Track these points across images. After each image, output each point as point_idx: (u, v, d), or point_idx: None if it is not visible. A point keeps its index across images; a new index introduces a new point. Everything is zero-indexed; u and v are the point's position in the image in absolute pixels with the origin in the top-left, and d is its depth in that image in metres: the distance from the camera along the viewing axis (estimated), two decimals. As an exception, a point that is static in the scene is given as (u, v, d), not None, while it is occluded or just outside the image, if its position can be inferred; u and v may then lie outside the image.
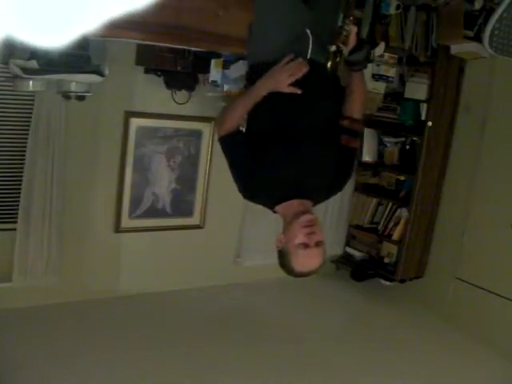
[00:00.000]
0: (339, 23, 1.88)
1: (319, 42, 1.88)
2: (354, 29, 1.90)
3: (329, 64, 1.88)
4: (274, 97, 1.82)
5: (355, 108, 2.03)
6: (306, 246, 1.74)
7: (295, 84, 1.82)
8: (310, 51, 1.86)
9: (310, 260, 1.78)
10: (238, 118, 1.84)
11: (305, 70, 1.80)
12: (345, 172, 2.02)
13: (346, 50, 1.88)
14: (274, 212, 1.89)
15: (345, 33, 1.86)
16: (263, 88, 1.81)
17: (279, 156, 1.79)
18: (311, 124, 1.85)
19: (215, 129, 1.92)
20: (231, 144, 1.84)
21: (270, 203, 1.88)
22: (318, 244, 1.76)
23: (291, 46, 1.85)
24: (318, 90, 1.90)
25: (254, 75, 1.93)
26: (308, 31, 1.86)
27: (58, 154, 3.52)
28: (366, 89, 2.15)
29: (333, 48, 1.86)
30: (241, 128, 1.89)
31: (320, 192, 1.96)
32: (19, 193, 3.49)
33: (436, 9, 3.92)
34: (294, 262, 1.77)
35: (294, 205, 1.82)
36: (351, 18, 1.90)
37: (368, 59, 2.05)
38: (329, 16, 1.93)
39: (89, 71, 3.16)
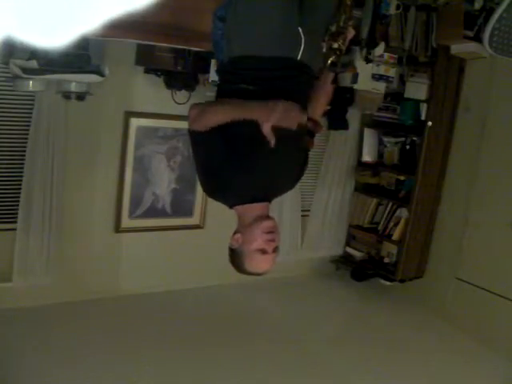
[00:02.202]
0: (341, 24, 1.88)
1: (310, 44, 1.81)
2: (352, 32, 1.90)
3: (329, 60, 1.86)
4: (255, 97, 1.74)
5: (319, 110, 2.01)
6: (264, 252, 1.74)
7: (283, 83, 1.78)
8: (301, 52, 1.80)
9: (265, 264, 1.79)
10: (218, 123, 1.71)
11: (294, 127, 1.68)
12: (302, 172, 1.97)
13: (344, 50, 1.88)
14: (231, 209, 1.84)
15: (346, 32, 1.87)
16: (253, 114, 1.67)
17: (256, 159, 1.72)
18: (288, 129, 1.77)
19: (190, 118, 1.76)
20: (207, 139, 1.74)
21: (233, 203, 1.82)
22: (275, 250, 1.77)
23: (282, 43, 1.79)
24: (302, 92, 1.86)
25: (236, 69, 1.83)
26: (300, 30, 1.79)
27: (58, 154, 3.52)
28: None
29: (335, 45, 1.85)
30: None
31: (279, 191, 1.94)
32: (19, 193, 3.49)
33: (436, 9, 3.92)
34: (247, 264, 1.78)
35: (256, 208, 1.79)
36: (351, 22, 1.91)
37: (351, 64, 2.02)
38: (321, 23, 1.89)
39: (89, 71, 3.17)
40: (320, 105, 2.02)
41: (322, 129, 2.03)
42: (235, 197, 1.80)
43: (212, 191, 1.84)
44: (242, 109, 1.70)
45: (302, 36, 1.79)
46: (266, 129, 1.65)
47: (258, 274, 1.84)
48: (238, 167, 1.72)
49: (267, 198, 1.84)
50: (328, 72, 1.98)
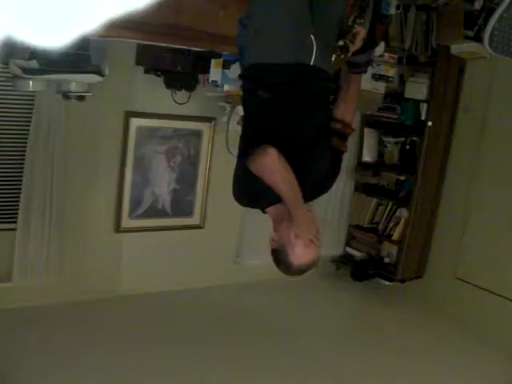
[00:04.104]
0: (350, 23, 1.90)
1: (323, 49, 1.88)
2: (363, 31, 1.92)
3: (333, 58, 1.89)
4: (278, 107, 1.84)
5: (349, 112, 2.05)
6: None
7: (298, 85, 1.86)
8: (313, 57, 1.87)
9: (308, 250, 1.80)
10: (267, 182, 1.75)
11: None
12: (334, 174, 2.05)
13: (351, 49, 1.90)
14: (265, 213, 1.92)
15: (354, 31, 1.89)
16: (298, 215, 1.78)
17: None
18: (311, 128, 1.88)
19: (261, 162, 1.72)
20: (251, 177, 1.80)
21: (266, 205, 1.89)
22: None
23: (295, 50, 1.86)
24: (319, 95, 1.93)
25: (254, 75, 1.93)
26: (312, 37, 1.86)
27: (58, 154, 3.52)
28: (360, 93, 2.16)
29: (340, 43, 1.87)
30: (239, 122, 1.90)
31: (311, 193, 1.98)
32: (19, 193, 3.48)
33: (436, 9, 3.92)
34: (292, 256, 1.79)
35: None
36: (362, 21, 1.93)
37: (369, 64, 2.07)
38: (332, 27, 1.94)
39: (89, 71, 3.16)
40: (349, 107, 2.06)
41: (352, 131, 2.07)
42: (270, 198, 1.84)
43: (253, 199, 1.91)
44: (295, 201, 1.77)
45: (314, 42, 1.86)
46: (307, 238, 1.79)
47: (305, 267, 1.83)
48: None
49: None
50: (354, 74, 2.03)
